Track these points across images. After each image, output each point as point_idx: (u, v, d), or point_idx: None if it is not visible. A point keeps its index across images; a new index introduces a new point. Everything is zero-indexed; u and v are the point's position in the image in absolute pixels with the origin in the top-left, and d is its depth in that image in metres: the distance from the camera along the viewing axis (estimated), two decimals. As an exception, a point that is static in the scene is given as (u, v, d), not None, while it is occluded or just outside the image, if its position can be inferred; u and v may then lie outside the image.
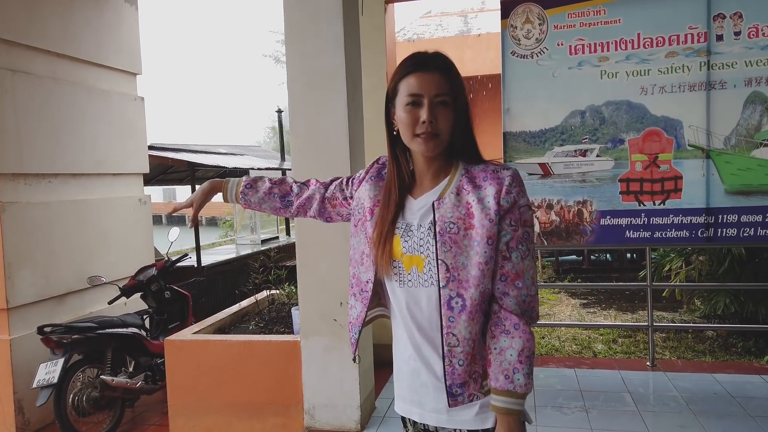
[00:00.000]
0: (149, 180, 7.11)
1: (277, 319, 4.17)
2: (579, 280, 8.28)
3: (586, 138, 4.24)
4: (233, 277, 6.12)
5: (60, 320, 4.05)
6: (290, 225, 9.45)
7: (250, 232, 8.53)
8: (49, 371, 3.48)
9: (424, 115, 1.26)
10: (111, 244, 4.66)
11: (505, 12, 4.26)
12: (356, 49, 3.25)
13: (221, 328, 3.97)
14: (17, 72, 3.82)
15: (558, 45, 4.20)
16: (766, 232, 3.98)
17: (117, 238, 4.72)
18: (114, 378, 3.71)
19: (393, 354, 1.43)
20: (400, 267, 1.33)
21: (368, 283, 1.39)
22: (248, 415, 3.42)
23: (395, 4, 4.55)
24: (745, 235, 4.01)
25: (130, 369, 3.98)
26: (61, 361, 3.49)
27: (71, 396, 3.59)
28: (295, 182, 1.66)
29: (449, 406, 1.29)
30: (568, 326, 6.13)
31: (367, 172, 1.48)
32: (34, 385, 3.48)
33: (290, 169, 9.25)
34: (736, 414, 3.29)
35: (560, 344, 5.66)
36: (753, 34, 3.88)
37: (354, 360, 1.49)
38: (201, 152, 7.12)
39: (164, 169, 6.97)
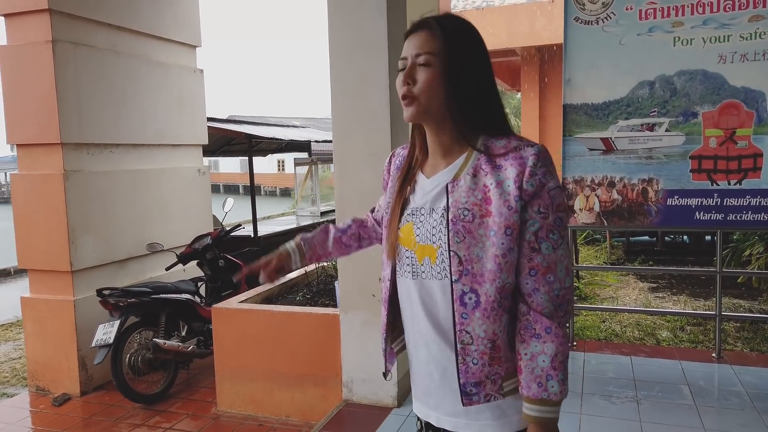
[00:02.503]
0: (213, 151, 7.31)
1: (324, 291, 4.19)
2: (651, 263, 7.83)
3: (654, 111, 3.93)
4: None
5: (121, 284, 4.26)
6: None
7: (311, 203, 8.64)
8: (106, 332, 3.68)
9: (400, 76, 1.16)
10: (170, 213, 4.83)
11: (570, -26, 3.97)
12: (401, 16, 3.13)
13: (269, 298, 4.04)
14: (79, 45, 3.97)
15: (627, 9, 3.88)
16: None
17: (176, 206, 4.89)
18: (166, 341, 3.87)
19: (409, 357, 1.31)
20: (413, 257, 1.21)
21: (385, 284, 1.28)
22: (289, 385, 3.47)
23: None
24: (833, 219, 3.61)
25: (183, 333, 4.15)
26: (117, 322, 3.68)
27: (127, 356, 3.79)
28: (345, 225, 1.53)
29: (463, 405, 1.18)
30: (629, 311, 5.82)
31: (389, 167, 1.37)
32: (93, 344, 3.69)
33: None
34: (809, 415, 3.00)
35: (621, 330, 5.39)
36: None
37: (384, 376, 1.37)
38: (259, 124, 7.22)
39: (227, 141, 7.13)
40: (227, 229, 4.77)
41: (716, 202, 3.84)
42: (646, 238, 9.11)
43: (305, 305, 3.87)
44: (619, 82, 3.96)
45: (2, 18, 3.97)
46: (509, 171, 1.13)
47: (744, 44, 3.68)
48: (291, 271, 1.47)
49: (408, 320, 1.26)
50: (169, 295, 4.02)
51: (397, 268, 1.25)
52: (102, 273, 4.22)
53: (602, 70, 3.97)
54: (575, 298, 5.85)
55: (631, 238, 8.92)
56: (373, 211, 1.53)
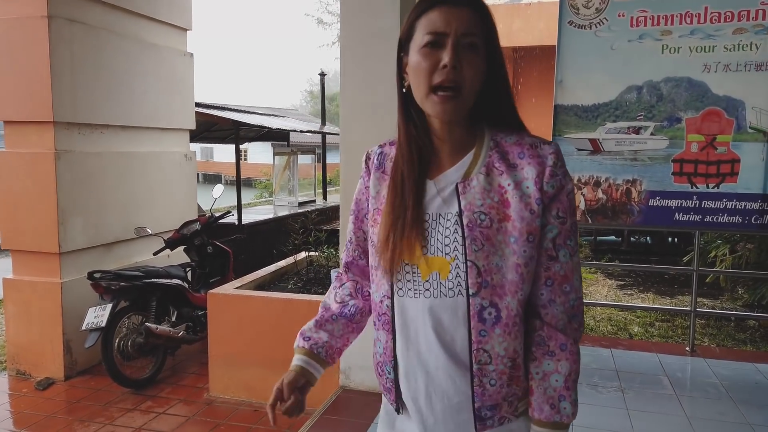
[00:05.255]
0: (192, 137, 7.21)
1: (315, 280, 4.23)
2: (616, 261, 8.14)
3: (641, 115, 4.09)
4: (272, 237, 6.22)
5: (107, 267, 4.19)
6: (326, 189, 9.52)
7: (288, 194, 8.61)
8: (98, 315, 3.62)
9: (446, 57, 0.96)
10: (157, 197, 4.76)
11: (566, -21, 4.09)
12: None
13: (261, 285, 4.05)
14: (75, 22, 3.88)
15: (619, 16, 4.02)
16: (825, 223, 3.81)
17: (163, 191, 4.82)
18: (158, 326, 3.84)
19: (401, 386, 1.10)
20: (415, 272, 1.04)
21: (383, 302, 1.09)
22: (284, 371, 3.49)
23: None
24: (802, 224, 3.85)
25: (173, 319, 4.12)
26: (109, 306, 3.63)
27: (117, 340, 3.74)
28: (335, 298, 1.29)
29: (476, 431, 1.06)
30: (612, 307, 6.05)
31: (367, 172, 1.17)
32: (83, 328, 3.63)
33: (331, 133, 9.28)
34: (779, 405, 3.22)
35: (595, 323, 5.61)
36: (831, 12, 3.65)
37: (397, 411, 1.13)
38: (243, 111, 7.16)
39: (208, 126, 7.04)
40: (216, 215, 4.73)
41: (695, 204, 4.04)
42: (613, 237, 9.45)
43: (297, 293, 3.89)
44: (608, 86, 4.11)
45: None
46: (527, 170, 1.02)
47: (727, 55, 3.87)
48: (313, 384, 1.23)
49: (403, 345, 1.07)
50: (160, 280, 3.98)
51: (394, 285, 1.07)
52: (89, 256, 4.14)
53: (593, 74, 4.11)
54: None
55: (597, 238, 9.23)
56: (347, 266, 1.27)
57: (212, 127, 7.08)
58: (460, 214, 1.00)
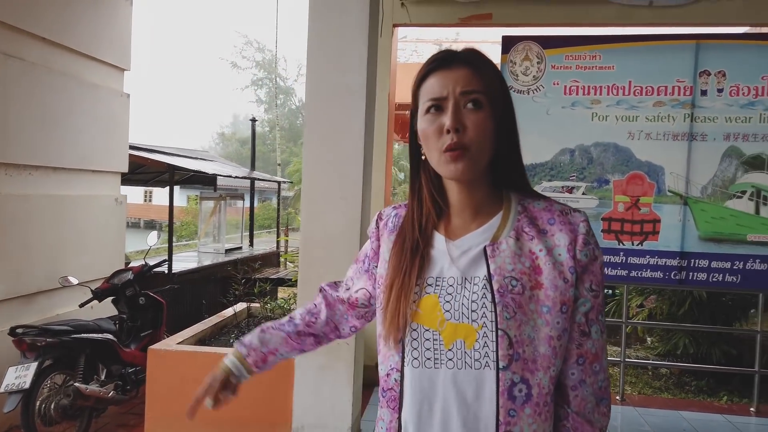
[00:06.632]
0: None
1: (258, 333, 4.07)
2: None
3: (573, 176, 4.40)
4: (201, 287, 5.94)
5: (27, 320, 3.82)
6: (253, 236, 9.29)
7: (213, 240, 8.32)
8: (20, 375, 3.26)
9: (447, 121, 0.95)
10: (85, 244, 4.45)
11: (506, 47, 4.39)
12: (374, 69, 3.28)
13: (202, 340, 3.85)
14: (11, 56, 3.63)
15: (554, 84, 4.36)
16: (733, 279, 4.22)
17: (92, 237, 4.52)
18: (88, 386, 3.52)
19: None
20: (437, 340, 0.96)
21: (390, 375, 1.01)
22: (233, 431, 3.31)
23: (399, 28, 4.62)
24: (713, 280, 4.23)
25: (102, 377, 3.79)
26: (34, 365, 3.29)
27: (38, 402, 3.38)
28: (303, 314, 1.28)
29: None
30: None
31: (376, 232, 1.14)
32: (2, 390, 3.25)
33: (261, 180, 9.15)
34: (708, 451, 3.45)
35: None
36: (734, 93, 4.14)
37: None
38: (171, 154, 6.92)
39: (133, 169, 6.73)
40: (150, 264, 4.47)
41: (622, 260, 4.35)
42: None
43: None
44: (544, 148, 4.41)
45: None
46: (558, 237, 0.98)
47: (649, 125, 4.28)
48: (239, 384, 1.26)
49: (416, 422, 0.98)
50: (91, 335, 3.67)
51: (406, 355, 0.99)
52: (8, 308, 3.76)
53: (531, 136, 4.39)
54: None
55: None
56: (337, 285, 1.26)
57: (137, 169, 6.77)
58: (489, 278, 0.94)
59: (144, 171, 6.85)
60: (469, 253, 0.98)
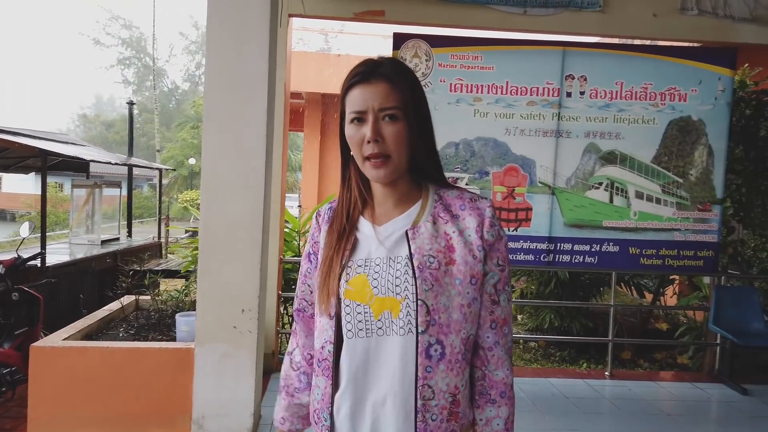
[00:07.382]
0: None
1: (148, 326, 3.96)
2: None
3: (458, 167, 4.73)
4: (77, 280, 5.58)
5: None
6: (132, 227, 8.78)
7: (86, 230, 7.77)
8: None
9: (368, 133, 1.09)
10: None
11: (397, 44, 4.60)
12: (274, 59, 3.32)
13: (89, 335, 3.67)
14: None
15: (441, 81, 4.64)
16: (591, 260, 4.79)
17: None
18: (-42, 390, 3.24)
19: (340, 428, 1.16)
20: (367, 313, 1.12)
21: (324, 347, 1.16)
22: (127, 428, 3.22)
23: (294, 18, 4.65)
24: (576, 261, 4.78)
25: (-28, 379, 3.50)
26: None
27: None
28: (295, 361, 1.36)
29: None
30: (537, 339, 6.58)
31: (317, 228, 1.26)
32: None
33: (141, 167, 8.65)
34: (572, 412, 3.93)
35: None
36: (593, 95, 4.68)
37: None
38: (42, 138, 6.37)
39: (-8, 154, 6.11)
40: (24, 257, 4.15)
41: (500, 245, 4.77)
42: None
43: (132, 341, 3.62)
44: (431, 141, 4.70)
45: None
46: (468, 221, 1.14)
47: (523, 122, 4.71)
48: None
49: (350, 385, 1.14)
50: (-41, 335, 3.37)
51: (343, 327, 1.14)
52: None
53: (420, 129, 4.65)
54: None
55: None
56: (302, 296, 1.31)
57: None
58: (410, 257, 1.10)
59: (4, 156, 6.24)
60: (393, 236, 1.14)
